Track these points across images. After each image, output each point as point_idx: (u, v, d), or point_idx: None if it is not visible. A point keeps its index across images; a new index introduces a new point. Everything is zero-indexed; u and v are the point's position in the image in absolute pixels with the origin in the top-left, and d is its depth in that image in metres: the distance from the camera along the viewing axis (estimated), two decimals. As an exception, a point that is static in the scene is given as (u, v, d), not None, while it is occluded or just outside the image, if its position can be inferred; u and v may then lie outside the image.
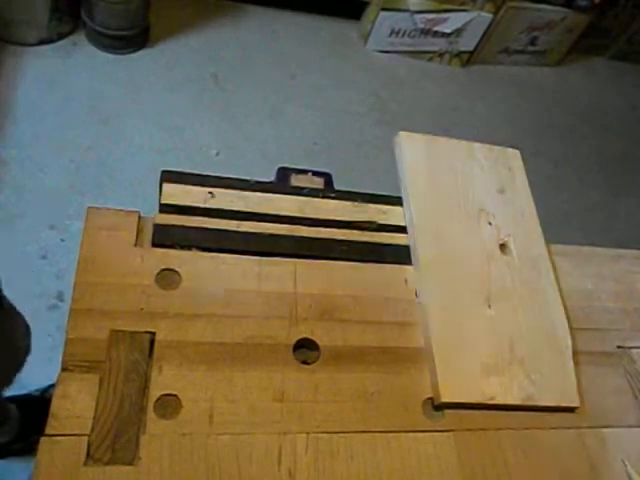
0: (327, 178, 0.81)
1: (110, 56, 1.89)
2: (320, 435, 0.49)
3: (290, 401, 0.50)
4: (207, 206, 0.59)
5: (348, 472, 0.48)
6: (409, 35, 2.26)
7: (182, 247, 0.56)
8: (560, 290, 0.63)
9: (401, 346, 0.56)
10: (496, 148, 0.72)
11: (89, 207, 0.56)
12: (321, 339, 0.54)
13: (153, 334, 0.50)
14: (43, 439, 0.43)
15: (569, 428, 0.56)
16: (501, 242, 0.64)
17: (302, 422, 0.50)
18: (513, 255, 0.63)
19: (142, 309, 0.51)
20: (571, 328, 0.61)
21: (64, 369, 0.47)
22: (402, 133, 0.69)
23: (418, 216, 0.63)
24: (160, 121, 1.81)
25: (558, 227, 1.95)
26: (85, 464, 0.43)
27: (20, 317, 0.78)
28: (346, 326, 0.56)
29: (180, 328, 0.51)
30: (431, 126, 2.09)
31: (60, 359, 0.47)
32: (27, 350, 0.80)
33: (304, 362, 0.53)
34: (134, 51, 1.93)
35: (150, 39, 1.98)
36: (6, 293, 0.73)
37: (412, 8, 2.15)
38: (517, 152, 0.72)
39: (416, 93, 2.25)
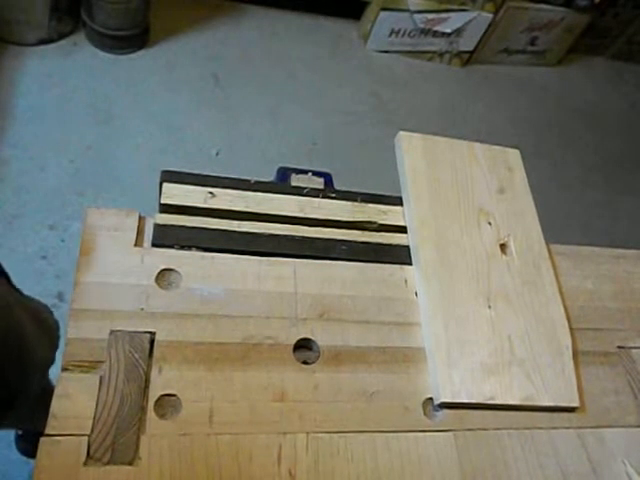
0: (327, 178, 0.80)
1: (110, 56, 1.89)
2: (320, 435, 0.49)
3: (290, 401, 0.50)
4: (207, 206, 0.59)
5: (348, 472, 0.48)
6: (409, 35, 2.26)
7: (182, 247, 0.56)
8: (560, 290, 0.63)
9: (401, 346, 0.56)
10: (496, 148, 0.72)
11: (89, 207, 0.56)
12: (321, 339, 0.54)
13: (153, 334, 0.50)
14: (43, 439, 0.43)
15: (569, 428, 0.56)
16: (501, 242, 0.64)
17: (302, 422, 0.50)
18: (513, 255, 0.63)
19: (142, 309, 0.51)
20: (571, 328, 0.61)
21: (64, 369, 0.47)
22: (402, 133, 0.69)
23: (418, 216, 0.63)
24: (160, 121, 1.81)
25: (558, 227, 1.96)
26: (85, 464, 0.43)
27: (36, 300, 0.80)
28: (346, 326, 0.56)
29: (180, 328, 0.51)
30: (431, 126, 2.09)
31: (60, 359, 0.48)
32: (57, 326, 0.82)
33: (304, 362, 0.53)
34: (134, 51, 1.93)
35: (150, 39, 1.98)
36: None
37: (412, 8, 2.15)
38: (517, 152, 0.72)
39: (416, 93, 2.25)
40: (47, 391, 0.93)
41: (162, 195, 0.58)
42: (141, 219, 0.57)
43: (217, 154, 1.80)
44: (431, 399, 0.54)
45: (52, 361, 0.79)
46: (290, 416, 0.50)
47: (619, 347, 0.64)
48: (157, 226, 0.56)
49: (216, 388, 0.49)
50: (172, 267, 0.54)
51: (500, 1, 2.19)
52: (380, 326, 0.57)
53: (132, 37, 1.89)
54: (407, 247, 0.63)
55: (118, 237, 0.55)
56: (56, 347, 0.80)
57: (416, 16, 2.18)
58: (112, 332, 0.49)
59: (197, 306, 0.53)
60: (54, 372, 0.48)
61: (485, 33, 2.29)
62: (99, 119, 1.75)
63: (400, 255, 0.62)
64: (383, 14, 2.17)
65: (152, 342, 0.50)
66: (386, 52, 2.30)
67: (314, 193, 0.64)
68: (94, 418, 0.45)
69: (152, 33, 1.98)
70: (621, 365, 0.62)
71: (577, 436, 0.56)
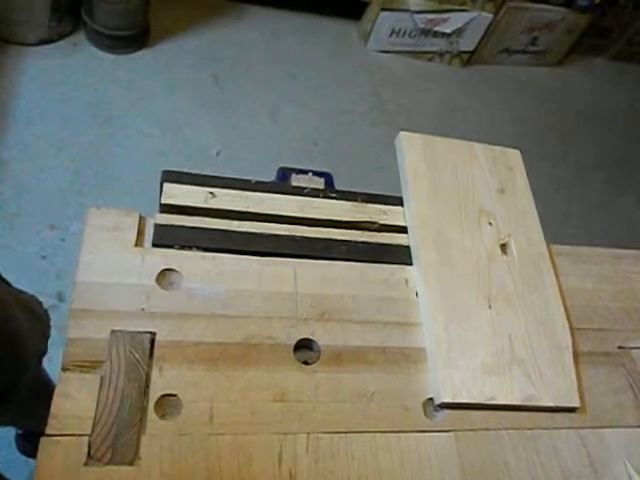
0: (327, 178, 0.81)
1: (110, 56, 1.89)
2: (320, 435, 0.49)
3: (290, 401, 0.50)
4: (207, 206, 0.59)
5: (348, 472, 0.48)
6: (409, 35, 2.26)
7: (182, 247, 0.56)
8: (560, 290, 0.63)
9: (401, 346, 0.56)
10: (496, 148, 0.72)
11: (89, 207, 0.56)
12: (321, 339, 0.54)
13: (153, 334, 0.50)
14: (43, 439, 0.43)
15: (569, 428, 0.56)
16: (501, 242, 0.64)
17: (302, 422, 0.50)
18: (513, 255, 0.63)
19: (142, 309, 0.51)
20: (571, 328, 0.61)
21: (64, 369, 0.47)
22: (402, 133, 0.69)
23: (419, 216, 0.63)
24: (160, 121, 1.81)
25: (558, 227, 1.96)
26: (85, 464, 0.43)
27: (25, 292, 0.81)
28: (346, 326, 0.56)
29: (180, 328, 0.51)
30: (431, 126, 2.09)
31: (60, 359, 0.48)
32: (47, 316, 0.83)
33: (304, 362, 0.53)
34: (134, 51, 1.93)
35: (150, 39, 1.98)
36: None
37: (412, 8, 2.16)
38: (517, 152, 0.72)
39: (416, 93, 2.25)
40: (42, 383, 0.93)
41: (162, 195, 0.58)
42: (141, 219, 0.57)
43: (217, 154, 1.80)
44: (431, 399, 0.54)
45: (44, 351, 0.80)
46: (290, 416, 0.50)
47: (619, 347, 0.64)
48: (157, 226, 0.56)
49: (216, 388, 0.49)
50: (172, 267, 0.54)
51: (500, 1, 2.19)
52: (380, 326, 0.57)
53: (132, 37, 1.89)
54: (407, 247, 0.63)
55: (118, 237, 0.55)
56: (47, 336, 0.80)
57: (416, 16, 2.18)
58: (112, 332, 0.49)
59: (197, 306, 0.53)
60: (54, 372, 0.48)
61: (485, 33, 2.29)
62: (99, 119, 1.75)
63: (400, 255, 0.62)
64: (383, 14, 2.17)
65: (152, 342, 0.50)
66: (386, 52, 2.30)
67: (314, 193, 0.64)
68: (94, 418, 0.45)
69: (152, 33, 1.98)
70: (621, 365, 0.62)
71: (578, 436, 0.56)
